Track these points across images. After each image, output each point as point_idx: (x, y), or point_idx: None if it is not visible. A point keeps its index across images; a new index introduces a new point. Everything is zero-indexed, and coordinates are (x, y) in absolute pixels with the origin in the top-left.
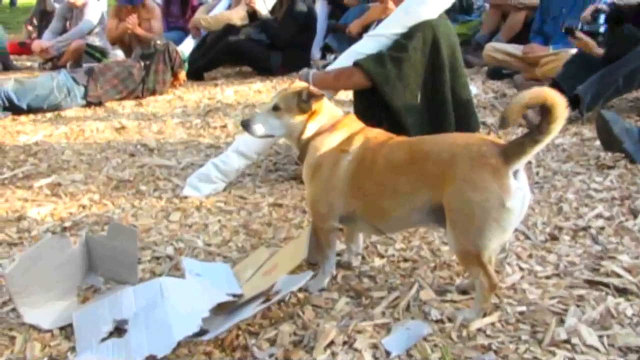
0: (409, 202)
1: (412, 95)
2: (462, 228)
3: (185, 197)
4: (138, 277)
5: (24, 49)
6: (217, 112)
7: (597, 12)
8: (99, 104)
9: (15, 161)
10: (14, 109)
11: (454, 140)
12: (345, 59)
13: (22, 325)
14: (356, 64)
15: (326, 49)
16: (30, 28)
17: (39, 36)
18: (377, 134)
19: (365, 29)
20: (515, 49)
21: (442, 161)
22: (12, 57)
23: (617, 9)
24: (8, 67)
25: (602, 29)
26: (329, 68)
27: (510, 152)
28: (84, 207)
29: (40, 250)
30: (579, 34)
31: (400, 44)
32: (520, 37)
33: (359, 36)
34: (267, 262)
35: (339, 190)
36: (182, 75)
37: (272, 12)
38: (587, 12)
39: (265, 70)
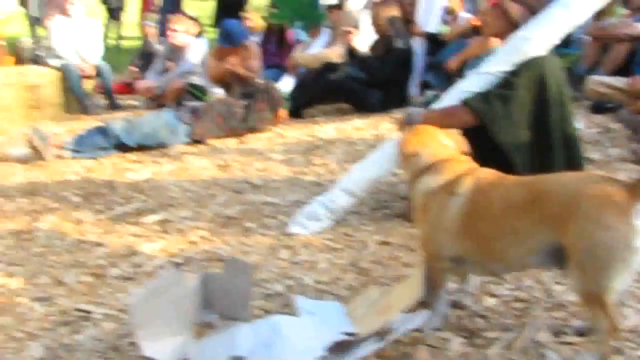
0: (527, 244)
1: (520, 133)
2: (586, 268)
3: (293, 235)
4: (250, 313)
5: (128, 88)
6: (318, 150)
7: None
8: (203, 141)
9: (125, 197)
10: (123, 147)
11: (576, 179)
12: (451, 97)
13: (140, 358)
14: (463, 102)
15: (425, 86)
16: (134, 69)
17: (143, 76)
18: (489, 174)
19: (464, 64)
20: (619, 81)
21: (565, 200)
22: (117, 96)
23: None
24: (114, 107)
25: None
26: (435, 106)
27: (636, 190)
28: (193, 243)
29: (161, 285)
30: None
31: (507, 81)
32: (623, 70)
33: (457, 72)
34: (380, 301)
35: (449, 232)
36: (283, 113)
37: (371, 49)
38: None
39: (363, 107)
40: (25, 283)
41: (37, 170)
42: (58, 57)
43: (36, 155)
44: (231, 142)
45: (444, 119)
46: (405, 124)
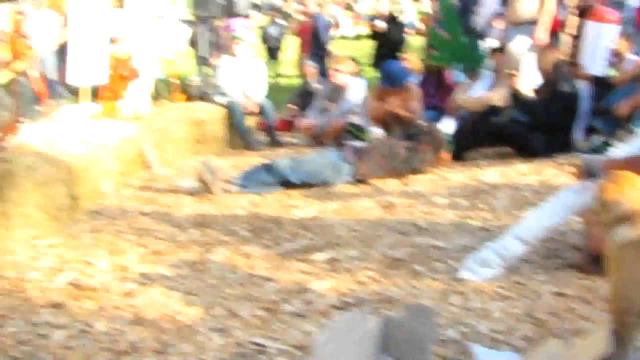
0: None
1: None
2: None
3: (463, 280)
4: None
5: (287, 126)
6: (482, 194)
7: None
8: (365, 181)
9: (292, 234)
10: (286, 184)
11: None
12: (634, 146)
13: None
14: None
15: (590, 131)
16: (292, 106)
17: (301, 114)
18: None
19: (635, 110)
20: None
21: None
22: (277, 133)
23: None
24: (275, 143)
25: None
26: (619, 154)
27: None
28: (362, 283)
29: (345, 325)
30: None
31: None
32: None
33: (627, 118)
34: (562, 354)
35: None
36: (445, 155)
37: (536, 92)
38: None
39: (527, 151)
40: (203, 313)
41: (205, 203)
42: (224, 94)
43: (204, 188)
44: (393, 183)
45: (628, 169)
46: (585, 173)
